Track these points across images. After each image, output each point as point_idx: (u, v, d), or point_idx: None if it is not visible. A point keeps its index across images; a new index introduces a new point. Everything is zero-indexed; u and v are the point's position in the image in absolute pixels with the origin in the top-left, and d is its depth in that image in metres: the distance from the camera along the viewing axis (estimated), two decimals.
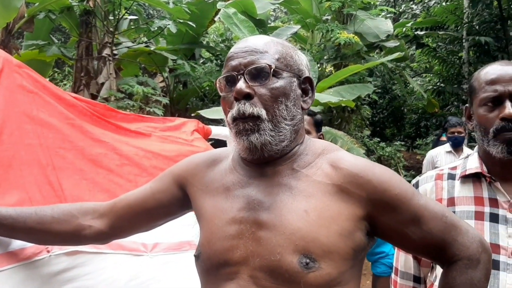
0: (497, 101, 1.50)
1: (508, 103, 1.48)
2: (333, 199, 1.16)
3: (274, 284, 1.11)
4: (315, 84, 1.33)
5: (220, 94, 1.24)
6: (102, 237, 1.41)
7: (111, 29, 7.86)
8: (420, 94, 11.13)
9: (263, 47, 1.21)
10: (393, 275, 1.78)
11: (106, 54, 7.84)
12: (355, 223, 1.15)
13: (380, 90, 11.59)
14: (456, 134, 5.45)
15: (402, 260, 1.72)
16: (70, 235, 1.38)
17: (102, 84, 7.84)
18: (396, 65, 10.46)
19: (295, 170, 1.21)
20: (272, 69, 1.17)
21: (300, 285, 1.10)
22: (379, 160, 9.90)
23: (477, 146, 1.66)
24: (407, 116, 13.33)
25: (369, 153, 9.16)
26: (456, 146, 5.51)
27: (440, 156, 5.56)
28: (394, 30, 10.03)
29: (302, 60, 1.28)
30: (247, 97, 1.16)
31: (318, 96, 5.72)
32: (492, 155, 1.52)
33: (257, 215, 1.17)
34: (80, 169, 1.74)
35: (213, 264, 1.19)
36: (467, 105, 1.66)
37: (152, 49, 8.63)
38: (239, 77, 1.17)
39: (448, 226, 1.20)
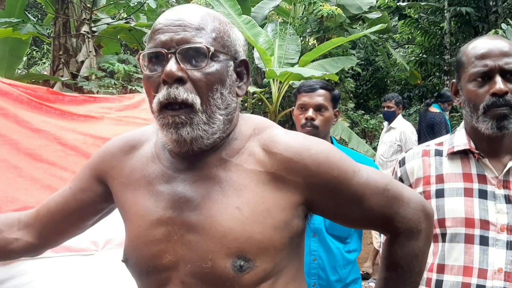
0: (487, 76, 1.48)
1: (498, 78, 1.45)
2: (267, 189, 1.06)
3: None
4: (251, 67, 1.20)
5: (143, 72, 1.06)
6: (32, 249, 1.28)
7: (88, 5, 7.66)
8: (402, 66, 11.16)
9: (199, 23, 1.04)
10: None
11: (85, 31, 7.66)
12: (292, 211, 1.07)
13: (363, 62, 11.57)
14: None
15: None
16: None
17: (82, 62, 7.69)
18: (379, 36, 10.43)
19: (224, 160, 1.08)
20: (210, 52, 1.01)
21: None
22: (363, 131, 9.97)
23: (463, 122, 1.65)
24: (390, 87, 13.32)
25: (353, 125, 9.20)
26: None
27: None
28: (376, 1, 10.00)
29: (239, 39, 1.12)
30: (179, 81, 1.01)
31: (301, 70, 5.68)
32: (481, 131, 1.50)
33: (185, 215, 1.06)
34: (15, 166, 1.59)
35: (142, 270, 1.11)
36: (453, 80, 1.64)
37: (132, 25, 8.43)
38: (169, 55, 1.01)
39: (390, 200, 1.14)
